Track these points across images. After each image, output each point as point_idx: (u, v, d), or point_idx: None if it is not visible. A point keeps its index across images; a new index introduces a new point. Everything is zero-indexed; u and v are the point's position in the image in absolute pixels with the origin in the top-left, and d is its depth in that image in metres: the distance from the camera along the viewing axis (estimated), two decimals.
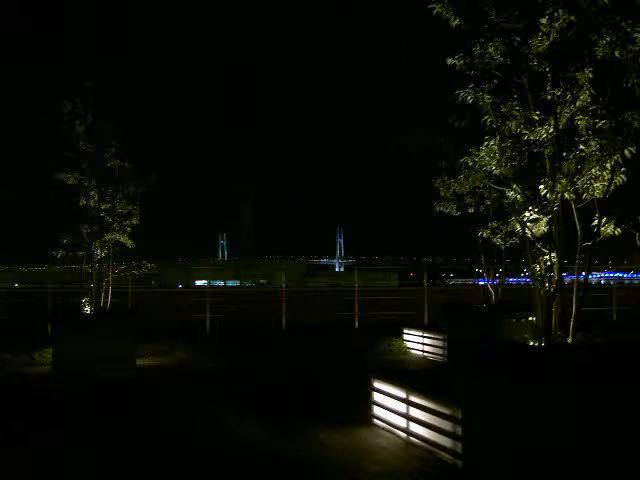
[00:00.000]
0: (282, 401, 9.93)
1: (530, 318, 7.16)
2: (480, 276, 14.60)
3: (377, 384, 8.35)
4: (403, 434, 7.55)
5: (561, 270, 6.55)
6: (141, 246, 14.33)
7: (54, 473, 6.51)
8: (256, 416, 8.78)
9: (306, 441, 7.56)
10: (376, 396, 8.33)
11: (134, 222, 13.55)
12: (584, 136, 6.56)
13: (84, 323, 12.37)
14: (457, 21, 7.32)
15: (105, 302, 13.15)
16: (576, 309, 6.38)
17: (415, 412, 7.32)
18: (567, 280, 7.47)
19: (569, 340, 6.37)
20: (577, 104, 6.62)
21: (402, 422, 7.60)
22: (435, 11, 7.30)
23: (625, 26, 6.19)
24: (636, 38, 6.18)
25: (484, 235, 12.78)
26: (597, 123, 6.47)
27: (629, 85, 6.30)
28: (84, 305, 12.87)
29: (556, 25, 6.71)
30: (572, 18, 6.67)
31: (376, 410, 8.30)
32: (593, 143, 6.40)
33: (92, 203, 13.03)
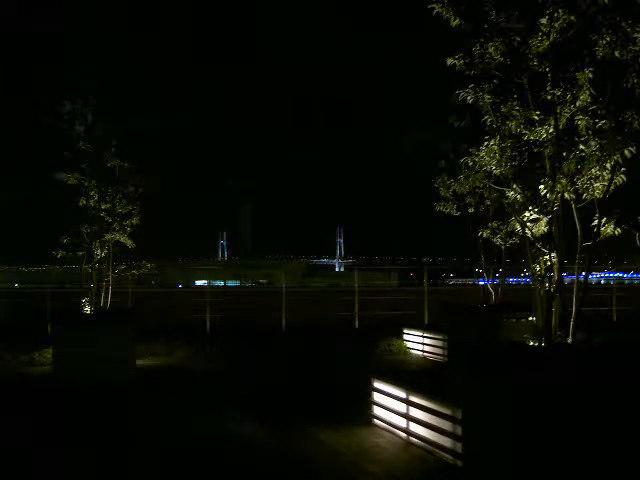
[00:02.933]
0: (282, 401, 9.93)
1: (530, 318, 7.16)
2: (480, 276, 14.59)
3: (377, 384, 8.36)
4: (403, 434, 7.56)
5: (561, 270, 6.56)
6: (141, 246, 14.32)
7: (55, 474, 6.54)
8: (256, 416, 8.79)
9: (306, 441, 7.56)
10: (376, 396, 8.35)
11: (134, 222, 13.54)
12: (584, 136, 6.56)
13: (84, 323, 12.37)
14: (457, 21, 7.31)
15: (105, 302, 13.14)
16: (576, 309, 6.38)
17: (415, 412, 7.33)
18: (567, 280, 7.48)
19: (569, 340, 6.37)
20: (577, 104, 6.63)
21: (402, 422, 7.62)
22: (435, 11, 7.30)
23: (625, 26, 6.20)
24: (636, 38, 6.18)
25: (484, 235, 12.77)
26: (597, 123, 6.47)
27: (629, 85, 6.31)
28: (84, 305, 12.86)
29: (556, 25, 6.71)
30: (572, 18, 6.67)
31: (376, 410, 8.31)
32: (593, 143, 6.41)
33: (92, 203, 13.02)
